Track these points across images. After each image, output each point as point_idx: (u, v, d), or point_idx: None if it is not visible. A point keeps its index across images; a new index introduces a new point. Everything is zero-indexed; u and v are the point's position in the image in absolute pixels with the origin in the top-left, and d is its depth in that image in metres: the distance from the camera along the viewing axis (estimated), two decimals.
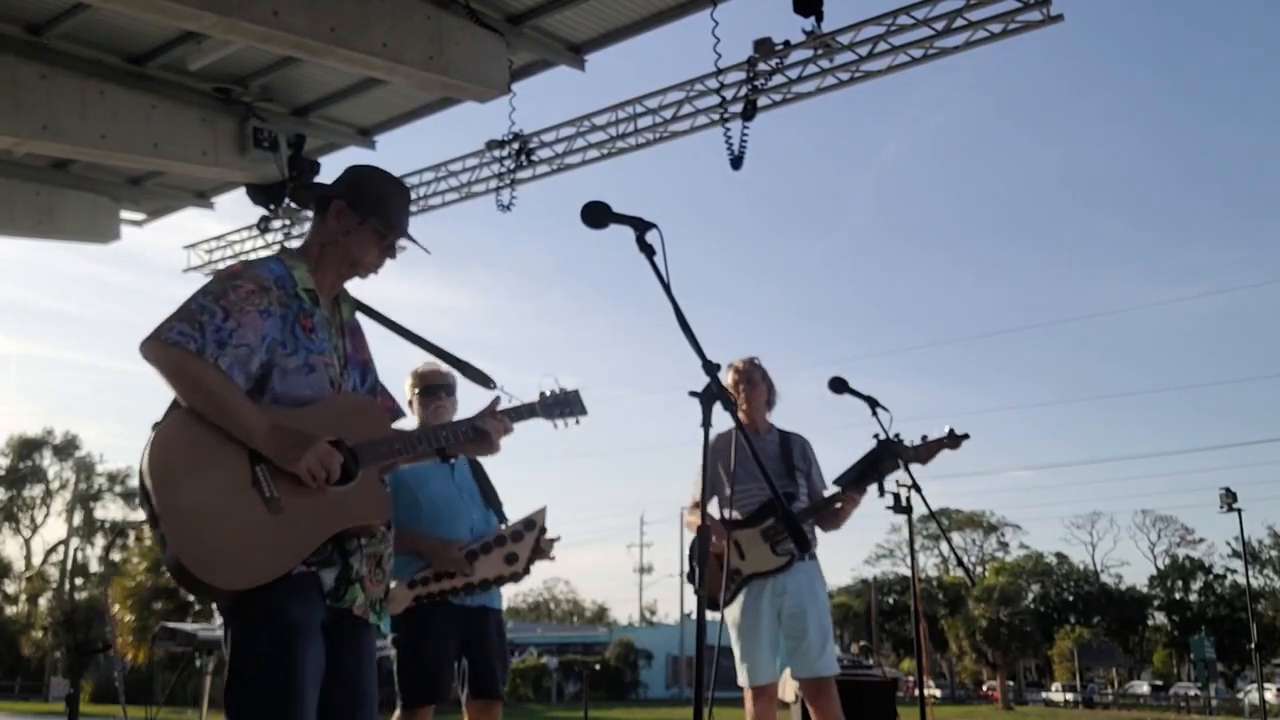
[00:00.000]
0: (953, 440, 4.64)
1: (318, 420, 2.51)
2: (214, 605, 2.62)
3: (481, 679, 4.26)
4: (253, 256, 11.14)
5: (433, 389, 4.36)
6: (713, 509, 4.77)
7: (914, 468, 4.55)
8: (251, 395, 2.48)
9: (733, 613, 4.72)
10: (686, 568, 5.06)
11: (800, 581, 4.67)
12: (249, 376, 2.48)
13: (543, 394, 2.97)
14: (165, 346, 2.40)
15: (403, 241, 2.76)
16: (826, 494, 4.83)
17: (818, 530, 4.86)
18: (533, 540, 4.30)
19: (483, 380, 2.98)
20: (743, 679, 4.63)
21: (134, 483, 51.29)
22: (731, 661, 4.65)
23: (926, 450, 4.64)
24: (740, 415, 4.90)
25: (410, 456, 2.75)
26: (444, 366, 4.35)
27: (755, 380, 4.90)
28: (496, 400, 2.89)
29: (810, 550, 4.79)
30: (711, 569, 4.76)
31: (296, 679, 2.39)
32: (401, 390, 4.41)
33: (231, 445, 2.40)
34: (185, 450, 2.39)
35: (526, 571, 4.30)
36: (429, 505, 4.27)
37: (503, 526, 4.39)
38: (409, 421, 4.26)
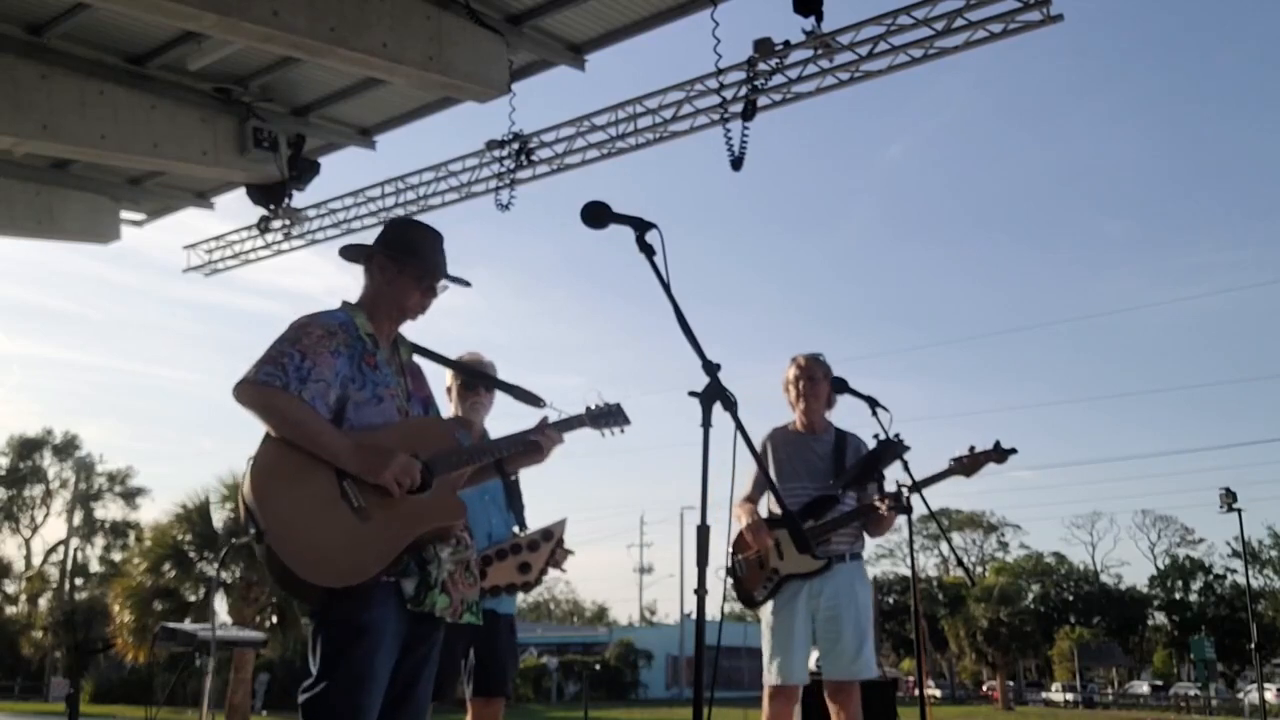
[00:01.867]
0: (999, 454, 4.57)
1: (392, 439, 2.83)
2: (305, 613, 2.89)
3: (491, 677, 4.35)
4: (253, 256, 11.20)
5: (467, 383, 4.46)
6: (762, 506, 4.76)
7: (912, 467, 4.53)
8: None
9: (766, 611, 4.67)
10: (728, 561, 4.97)
11: (838, 584, 4.60)
12: (329, 407, 2.80)
13: (589, 407, 3.28)
14: (257, 386, 2.72)
15: (444, 282, 3.07)
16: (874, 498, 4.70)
17: (866, 535, 4.79)
18: (548, 551, 4.36)
19: (533, 400, 3.37)
20: (769, 677, 4.56)
21: (134, 482, 51.36)
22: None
23: (972, 462, 4.57)
24: (799, 413, 4.87)
25: (475, 468, 3.08)
26: (484, 359, 4.47)
27: (817, 378, 4.82)
28: (545, 418, 3.22)
29: (853, 551, 4.72)
30: (750, 567, 4.75)
31: (361, 674, 2.67)
32: (442, 382, 4.54)
33: (320, 465, 2.72)
34: (280, 473, 2.71)
35: (538, 581, 4.38)
36: None
37: (520, 534, 4.42)
38: (446, 414, 4.44)
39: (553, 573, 4.46)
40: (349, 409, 2.83)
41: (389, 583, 2.74)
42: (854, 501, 4.72)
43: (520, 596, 4.52)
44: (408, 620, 2.79)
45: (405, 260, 2.99)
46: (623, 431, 3.32)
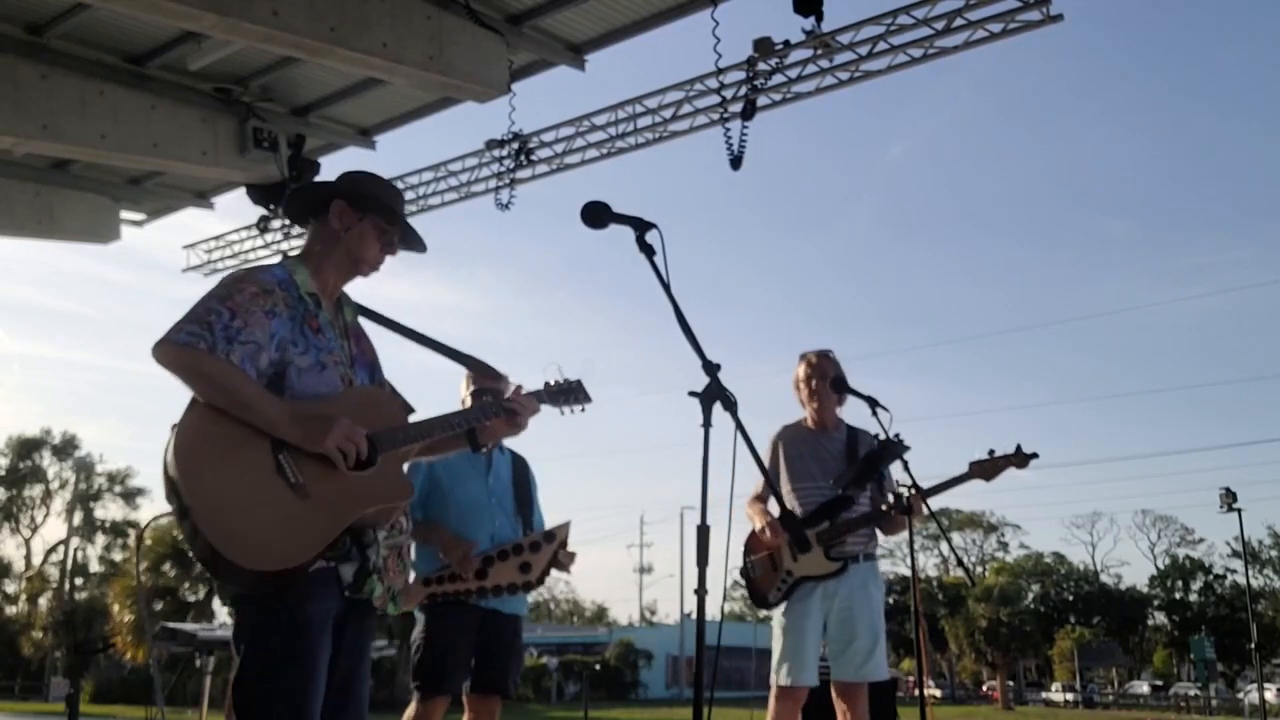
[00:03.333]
0: (1020, 458, 4.51)
1: (336, 409, 2.57)
2: (228, 600, 2.67)
3: (491, 675, 4.37)
4: (252, 256, 11.18)
5: (478, 392, 4.44)
6: (774, 504, 4.70)
7: (915, 467, 4.52)
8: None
9: (778, 613, 4.63)
10: (739, 563, 4.93)
11: (853, 585, 4.56)
12: (260, 372, 2.52)
13: (547, 384, 3.09)
14: (178, 347, 2.45)
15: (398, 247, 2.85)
16: (890, 498, 4.65)
17: (879, 533, 4.77)
18: (550, 553, 4.40)
19: (491, 374, 3.17)
20: (778, 679, 4.53)
21: (134, 483, 51.25)
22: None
23: (993, 466, 4.51)
24: (811, 411, 4.83)
25: (428, 443, 2.82)
26: (497, 371, 4.47)
27: (828, 375, 4.77)
28: (519, 387, 3.02)
29: (867, 551, 4.68)
30: (763, 568, 4.71)
31: (308, 673, 2.46)
32: (450, 388, 4.60)
33: (253, 435, 2.45)
34: (208, 443, 2.44)
35: (539, 582, 4.41)
36: (456, 507, 4.38)
37: (525, 536, 4.45)
38: None
39: (555, 574, 4.50)
40: (290, 375, 2.56)
41: (328, 569, 2.52)
42: (869, 502, 4.67)
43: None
44: (343, 609, 2.57)
45: (368, 209, 2.76)
46: (583, 410, 3.12)
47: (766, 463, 4.73)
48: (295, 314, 2.62)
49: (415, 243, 2.91)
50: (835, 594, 4.56)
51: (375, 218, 2.77)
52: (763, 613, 4.67)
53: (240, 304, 2.53)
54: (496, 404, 2.94)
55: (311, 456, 2.48)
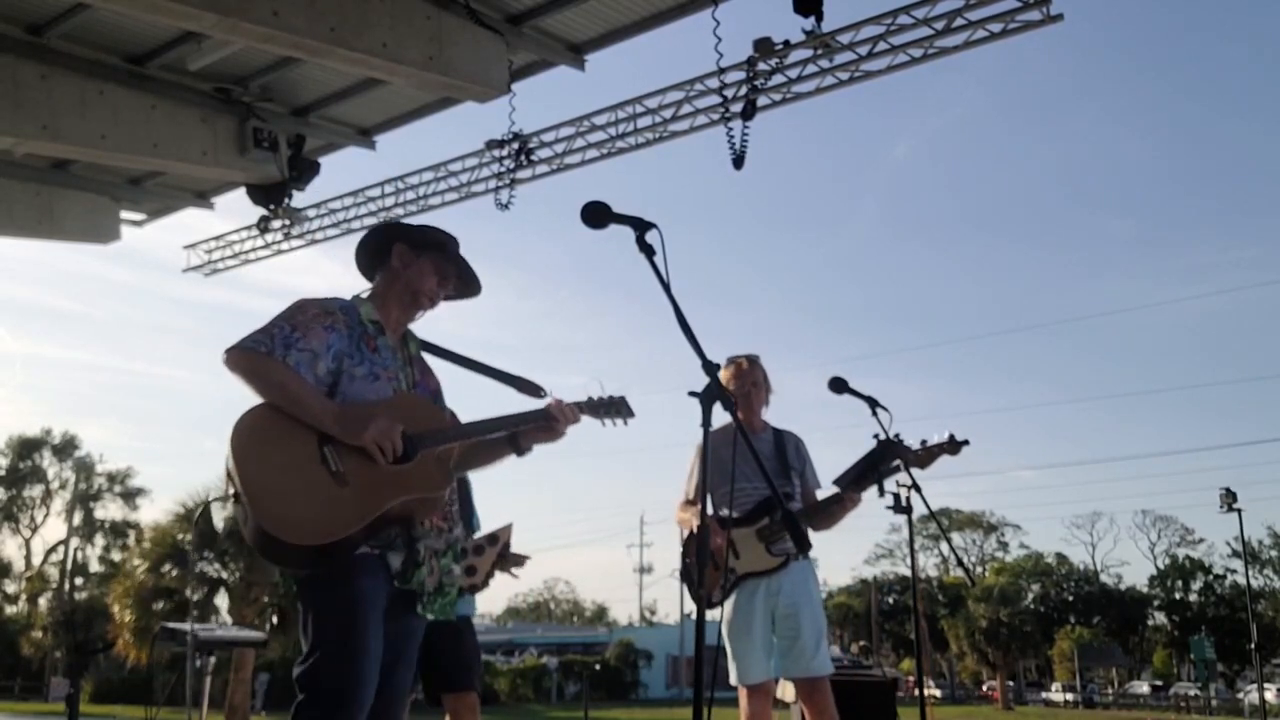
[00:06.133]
0: (953, 446, 4.59)
1: (379, 412, 2.80)
2: (288, 585, 2.88)
3: (458, 674, 4.47)
4: (253, 256, 11.20)
5: None
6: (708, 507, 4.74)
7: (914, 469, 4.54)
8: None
9: (725, 612, 4.68)
10: (679, 565, 5.00)
11: (794, 581, 4.63)
12: (318, 379, 2.81)
13: (590, 398, 3.22)
14: (242, 351, 2.76)
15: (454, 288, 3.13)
16: (820, 493, 4.79)
17: (809, 529, 4.80)
18: (494, 555, 4.50)
19: (533, 390, 3.29)
20: (734, 678, 4.60)
21: (134, 482, 51.29)
22: None
23: (927, 455, 4.59)
24: (737, 413, 4.87)
25: (467, 445, 3.00)
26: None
27: (758, 380, 4.87)
28: (559, 400, 3.16)
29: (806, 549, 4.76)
30: (705, 568, 4.75)
31: (362, 639, 2.66)
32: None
33: (302, 429, 2.73)
34: (261, 433, 2.73)
35: (485, 584, 4.51)
36: None
37: (469, 539, 4.53)
38: None
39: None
40: (344, 381, 2.84)
41: (375, 556, 2.73)
42: (801, 499, 4.77)
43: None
44: (392, 599, 2.77)
45: (425, 248, 3.06)
46: (626, 423, 3.23)
47: (693, 467, 4.78)
48: (354, 334, 2.91)
49: (472, 285, 3.21)
50: (780, 590, 4.61)
51: (433, 255, 3.07)
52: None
53: (301, 321, 2.84)
54: (535, 412, 3.08)
55: (354, 450, 2.71)
